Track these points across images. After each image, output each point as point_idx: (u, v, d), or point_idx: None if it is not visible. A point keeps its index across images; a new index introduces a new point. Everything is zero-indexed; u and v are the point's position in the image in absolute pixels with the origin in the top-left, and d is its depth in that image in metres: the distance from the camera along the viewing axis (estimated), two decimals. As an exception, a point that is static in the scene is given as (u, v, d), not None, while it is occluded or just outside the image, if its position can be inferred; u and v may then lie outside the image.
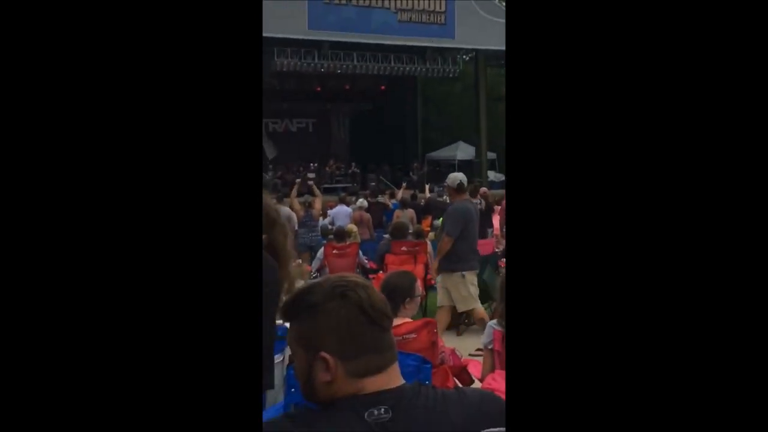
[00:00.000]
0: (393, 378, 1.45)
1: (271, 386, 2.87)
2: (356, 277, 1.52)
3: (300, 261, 10.90)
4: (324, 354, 1.42)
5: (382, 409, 1.39)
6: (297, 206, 12.18)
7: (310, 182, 13.21)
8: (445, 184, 7.70)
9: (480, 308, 7.34)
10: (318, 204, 12.40)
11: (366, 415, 1.38)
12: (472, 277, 7.28)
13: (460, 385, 3.97)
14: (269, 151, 28.84)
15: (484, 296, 8.17)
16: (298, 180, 14.28)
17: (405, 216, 12.66)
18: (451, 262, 7.10)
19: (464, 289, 7.12)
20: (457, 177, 7.34)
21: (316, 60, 25.02)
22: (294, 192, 12.60)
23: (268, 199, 2.59)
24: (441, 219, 12.64)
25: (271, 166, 26.37)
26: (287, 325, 1.65)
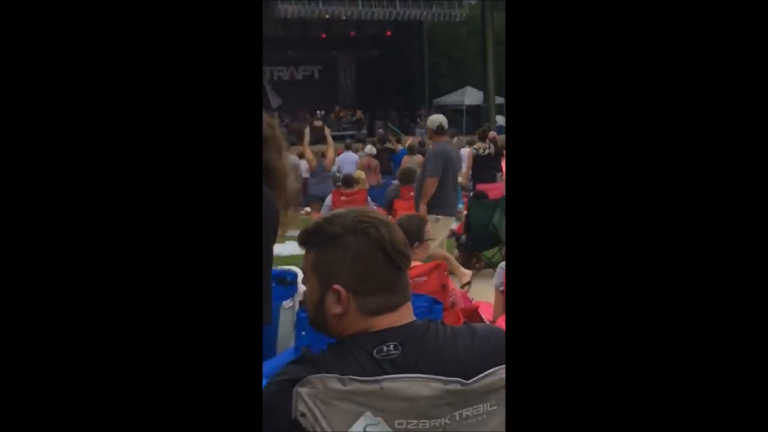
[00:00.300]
0: (404, 316, 1.43)
1: (269, 321, 2.81)
2: (379, 214, 1.50)
3: (309, 209, 10.88)
4: (337, 286, 1.40)
5: (392, 345, 1.37)
6: (310, 155, 11.91)
7: (323, 128, 12.92)
8: (426, 126, 7.57)
9: (440, 252, 7.06)
10: (330, 153, 12.17)
11: (375, 351, 1.36)
12: (447, 222, 7.12)
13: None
14: (273, 100, 28.74)
15: (495, 240, 8.17)
16: (307, 127, 13.99)
17: (413, 162, 12.62)
18: (428, 206, 6.91)
19: (433, 233, 6.97)
20: (437, 119, 7.20)
21: (321, 6, 24.78)
22: (306, 140, 12.31)
23: (265, 116, 2.33)
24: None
25: (276, 114, 26.29)
26: (296, 270, 1.63)
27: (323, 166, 11.92)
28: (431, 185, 6.85)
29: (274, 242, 2.64)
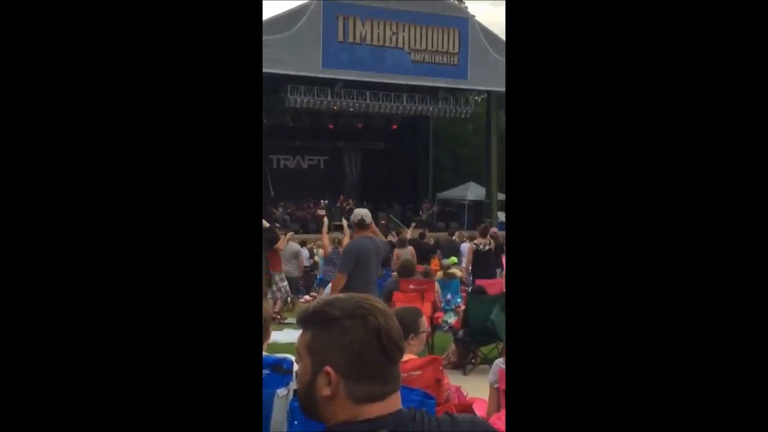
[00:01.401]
0: (391, 405, 1.45)
1: None
2: (380, 303, 1.51)
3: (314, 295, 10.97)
4: (329, 368, 1.42)
5: (382, 434, 1.39)
6: (326, 242, 12.18)
7: (324, 217, 13.25)
8: (350, 220, 7.47)
9: None
10: (347, 241, 12.40)
11: None
12: None
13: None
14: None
15: (492, 336, 8.14)
16: (326, 216, 14.30)
17: (405, 253, 12.66)
18: None
19: None
20: (359, 213, 7.02)
21: (329, 98, 25.18)
22: (325, 228, 12.63)
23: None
24: (451, 258, 12.69)
25: (282, 203, 26.41)
26: (293, 358, 1.64)
27: (338, 254, 12.11)
28: (339, 281, 6.69)
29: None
